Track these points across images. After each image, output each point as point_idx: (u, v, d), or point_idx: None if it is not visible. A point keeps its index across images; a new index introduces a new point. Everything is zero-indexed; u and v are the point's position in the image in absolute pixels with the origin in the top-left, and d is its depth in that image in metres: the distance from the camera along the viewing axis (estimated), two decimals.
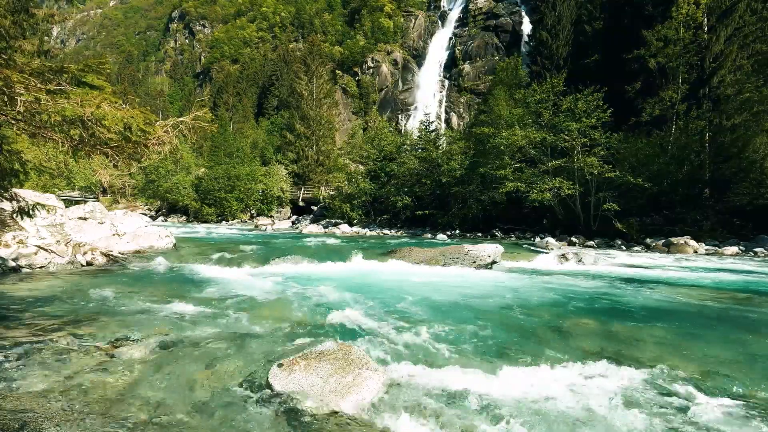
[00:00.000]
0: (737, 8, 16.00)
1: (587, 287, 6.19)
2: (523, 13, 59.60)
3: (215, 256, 8.37)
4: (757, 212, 13.19)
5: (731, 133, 14.50)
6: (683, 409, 2.33)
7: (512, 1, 63.27)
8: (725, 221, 13.79)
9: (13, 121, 3.08)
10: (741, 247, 11.77)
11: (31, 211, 4.48)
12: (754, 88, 14.20)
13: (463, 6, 68.30)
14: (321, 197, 29.71)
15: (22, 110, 2.77)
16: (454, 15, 69.37)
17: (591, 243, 14.02)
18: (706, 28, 16.67)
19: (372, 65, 65.98)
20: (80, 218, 9.04)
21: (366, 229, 21.54)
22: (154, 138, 3.33)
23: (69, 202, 19.50)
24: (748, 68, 15.33)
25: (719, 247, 11.98)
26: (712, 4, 16.62)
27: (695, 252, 11.62)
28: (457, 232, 18.76)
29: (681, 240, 12.19)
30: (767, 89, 13.89)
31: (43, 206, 4.68)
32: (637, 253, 11.83)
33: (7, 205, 5.34)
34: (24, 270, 6.47)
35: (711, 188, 14.83)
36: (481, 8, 64.22)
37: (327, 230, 21.12)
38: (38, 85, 2.82)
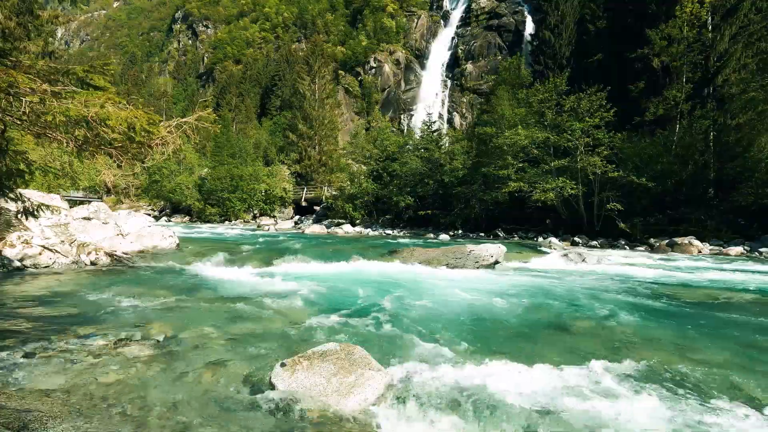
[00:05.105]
0: (742, 7, 15.87)
1: (590, 287, 6.16)
2: (526, 13, 59.41)
3: (218, 256, 8.38)
4: (762, 212, 13.07)
5: (736, 133, 14.40)
6: (686, 411, 2.31)
7: (515, 1, 63.08)
8: (730, 221, 13.69)
9: (18, 122, 3.11)
10: (746, 247, 11.68)
11: (35, 212, 4.52)
12: (759, 87, 14.08)
13: (465, 6, 68.20)
14: (324, 197, 29.73)
15: (27, 111, 2.79)
16: (457, 15, 69.25)
17: (594, 243, 13.97)
18: (710, 27, 16.54)
19: (374, 65, 66.01)
20: (84, 218, 9.09)
21: (368, 229, 21.53)
22: (157, 138, 3.35)
23: (73, 203, 19.62)
24: (753, 67, 15.21)
25: (724, 247, 11.89)
26: (717, 3, 16.48)
27: (699, 252, 11.55)
28: (460, 232, 18.72)
29: (685, 240, 12.11)
30: None
31: (48, 207, 4.72)
32: (640, 253, 11.77)
33: (12, 206, 5.38)
34: (29, 270, 6.51)
35: (715, 188, 14.72)
36: (483, 8, 64.11)
37: (329, 230, 21.11)
38: (43, 86, 2.84)
